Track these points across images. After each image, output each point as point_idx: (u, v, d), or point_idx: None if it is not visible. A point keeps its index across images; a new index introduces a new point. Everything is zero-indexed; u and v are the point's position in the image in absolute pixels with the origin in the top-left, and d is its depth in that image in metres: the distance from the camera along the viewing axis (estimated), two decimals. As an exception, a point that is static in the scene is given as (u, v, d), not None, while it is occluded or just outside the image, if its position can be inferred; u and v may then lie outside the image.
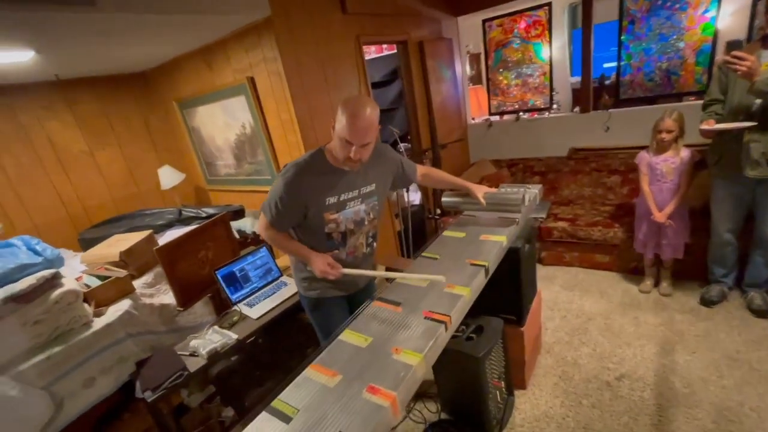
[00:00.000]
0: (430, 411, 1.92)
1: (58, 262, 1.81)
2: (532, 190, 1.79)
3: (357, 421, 0.82)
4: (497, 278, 1.47)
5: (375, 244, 1.59)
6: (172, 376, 1.56)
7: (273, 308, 1.98)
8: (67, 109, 2.65)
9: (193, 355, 1.69)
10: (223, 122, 2.74)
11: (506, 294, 1.81)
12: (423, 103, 3.39)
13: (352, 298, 1.61)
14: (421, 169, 1.69)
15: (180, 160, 3.16)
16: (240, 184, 2.91)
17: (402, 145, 3.93)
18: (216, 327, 1.87)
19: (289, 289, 2.14)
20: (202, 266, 2.12)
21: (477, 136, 4.06)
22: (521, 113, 3.78)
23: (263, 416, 0.89)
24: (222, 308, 2.16)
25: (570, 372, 2.04)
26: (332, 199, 1.36)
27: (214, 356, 1.68)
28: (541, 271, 3.00)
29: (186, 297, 2.01)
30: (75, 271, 1.93)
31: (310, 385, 0.96)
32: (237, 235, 2.51)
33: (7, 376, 1.38)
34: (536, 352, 2.13)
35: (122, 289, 1.82)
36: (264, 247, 2.28)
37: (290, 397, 0.94)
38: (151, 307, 1.88)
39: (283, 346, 2.32)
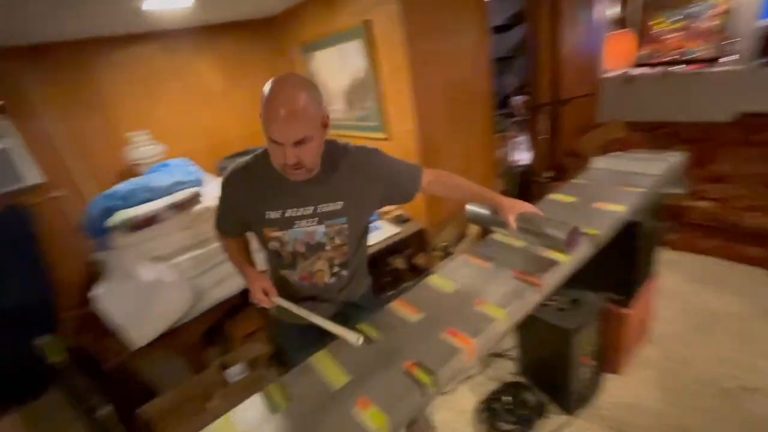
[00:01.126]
0: (508, 371, 1.91)
1: (201, 183, 2.18)
2: (671, 158, 1.51)
3: (433, 357, 0.87)
4: (608, 252, 1.32)
5: (346, 273, 1.17)
6: (280, 290, 1.81)
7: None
8: (210, 53, 3.02)
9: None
10: (337, 67, 2.83)
11: (615, 271, 1.63)
12: (549, 50, 3.00)
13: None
14: (430, 174, 1.17)
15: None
16: (348, 129, 3.04)
17: (517, 98, 3.61)
18: None
19: (382, 232, 2.24)
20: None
21: (610, 92, 3.49)
22: (675, 66, 3.10)
23: (348, 332, 0.99)
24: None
25: (677, 369, 1.80)
26: (273, 214, 1.05)
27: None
28: (666, 255, 2.60)
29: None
30: (212, 192, 2.31)
31: (393, 317, 1.03)
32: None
33: (168, 264, 1.77)
34: (639, 339, 1.92)
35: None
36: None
37: (374, 323, 1.02)
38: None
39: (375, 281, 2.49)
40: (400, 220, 2.36)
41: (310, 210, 1.06)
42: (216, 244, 1.91)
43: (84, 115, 2.50)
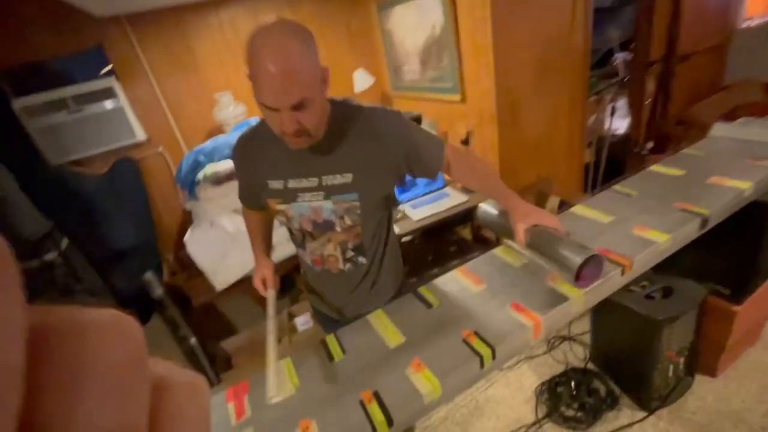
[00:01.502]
0: (576, 356, 1.78)
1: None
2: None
3: (493, 329, 0.81)
4: (719, 236, 1.10)
5: (365, 261, 1.02)
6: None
7: (433, 214, 2.06)
8: (291, 14, 3.06)
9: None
10: (414, 23, 2.69)
11: (727, 260, 1.38)
12: (667, -6, 2.51)
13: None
14: (452, 152, 0.96)
15: (372, 64, 3.34)
16: (421, 91, 2.92)
17: (619, 55, 3.13)
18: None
19: (450, 200, 2.16)
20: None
21: (746, 45, 2.86)
22: None
23: (409, 297, 0.97)
24: (395, 204, 2.39)
25: (796, 382, 1.51)
26: (275, 184, 0.94)
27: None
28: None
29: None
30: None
31: (455, 285, 0.99)
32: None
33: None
34: (747, 341, 1.63)
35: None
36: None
37: (436, 289, 0.99)
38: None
39: (435, 252, 2.45)
40: (468, 188, 2.24)
41: (314, 182, 0.92)
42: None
43: (181, 77, 2.72)
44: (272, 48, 0.71)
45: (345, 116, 0.91)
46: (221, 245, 1.82)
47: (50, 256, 1.84)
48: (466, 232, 2.44)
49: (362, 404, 0.73)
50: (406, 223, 2.04)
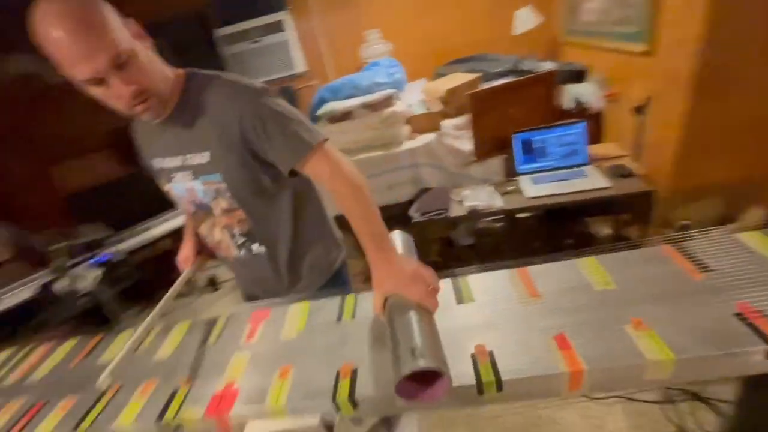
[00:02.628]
0: (699, 424, 1.30)
1: (400, 85, 2.18)
2: None
3: (508, 354, 0.62)
4: None
5: (261, 248, 0.94)
6: (435, 211, 1.74)
7: (554, 195, 1.69)
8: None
9: (460, 202, 1.78)
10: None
11: None
12: None
13: None
14: (327, 164, 0.79)
15: (543, 1, 2.77)
16: (598, 37, 2.28)
17: None
18: (492, 188, 1.84)
19: (585, 182, 1.72)
20: (508, 124, 2.00)
21: None
22: None
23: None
24: (512, 173, 2.08)
25: None
26: (155, 163, 0.91)
27: (474, 213, 1.71)
28: None
29: (483, 149, 2.02)
30: (412, 97, 2.29)
31: (499, 285, 0.80)
32: (572, 104, 2.12)
33: (350, 158, 1.96)
34: None
35: (432, 125, 2.03)
36: (583, 123, 1.84)
37: (467, 285, 0.82)
38: (450, 148, 2.02)
39: (545, 239, 2.06)
40: (617, 173, 1.73)
41: (179, 160, 0.87)
42: (395, 151, 1.96)
43: (338, 13, 2.83)
44: (51, 15, 0.63)
45: (200, 87, 0.81)
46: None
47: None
48: (600, 226, 1.95)
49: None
50: (515, 199, 1.75)
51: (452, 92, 2.12)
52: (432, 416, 1.57)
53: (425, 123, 2.03)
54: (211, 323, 0.90)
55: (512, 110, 1.96)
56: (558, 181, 1.78)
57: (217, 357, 0.80)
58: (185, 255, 1.04)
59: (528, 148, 1.90)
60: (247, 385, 0.71)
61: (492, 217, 2.09)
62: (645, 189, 1.63)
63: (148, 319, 0.84)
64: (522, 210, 1.72)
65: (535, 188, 1.76)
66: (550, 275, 0.79)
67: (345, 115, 1.93)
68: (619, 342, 0.60)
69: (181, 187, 0.90)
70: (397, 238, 0.84)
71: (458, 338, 0.67)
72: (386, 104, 1.93)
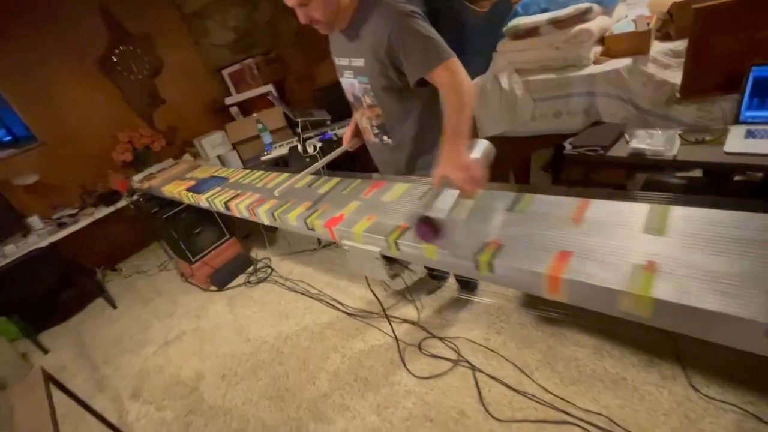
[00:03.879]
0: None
1: (611, 2, 1.85)
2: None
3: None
4: None
5: (390, 141, 1.29)
6: (590, 147, 1.61)
7: (761, 154, 1.29)
8: None
9: (627, 142, 1.57)
10: None
11: None
12: None
13: None
14: (448, 75, 1.01)
15: None
16: None
17: None
18: (677, 132, 1.52)
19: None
20: (748, 53, 1.50)
21: None
22: None
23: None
24: (735, 121, 1.60)
25: None
26: (336, 60, 1.25)
27: (636, 156, 1.50)
28: None
29: (697, 84, 1.61)
30: (628, 13, 1.92)
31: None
32: None
33: (524, 78, 1.93)
34: None
35: (636, 47, 1.71)
36: None
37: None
38: (650, 79, 1.70)
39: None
40: None
41: (345, 61, 1.19)
42: (570, 74, 1.81)
43: None
44: None
45: (367, 8, 1.06)
46: (494, 97, 2.00)
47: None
48: None
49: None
50: (703, 151, 1.40)
51: (680, 6, 1.69)
52: (517, 334, 1.73)
53: (626, 44, 1.73)
54: (349, 182, 1.37)
55: (761, 34, 1.44)
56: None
57: (344, 200, 1.25)
58: (347, 134, 1.45)
59: (764, 90, 1.42)
60: (350, 218, 1.14)
61: (672, 171, 1.73)
62: None
63: (310, 168, 1.38)
64: (706, 166, 1.38)
65: (743, 143, 1.37)
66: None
67: (530, 32, 1.85)
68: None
69: (346, 81, 1.25)
70: (480, 144, 1.01)
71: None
72: (578, 20, 1.74)
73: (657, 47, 1.73)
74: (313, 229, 1.20)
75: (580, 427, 1.30)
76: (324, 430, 1.57)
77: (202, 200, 1.81)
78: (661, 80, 1.69)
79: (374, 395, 1.64)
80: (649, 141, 1.51)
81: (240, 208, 1.52)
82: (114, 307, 3.03)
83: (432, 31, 1.03)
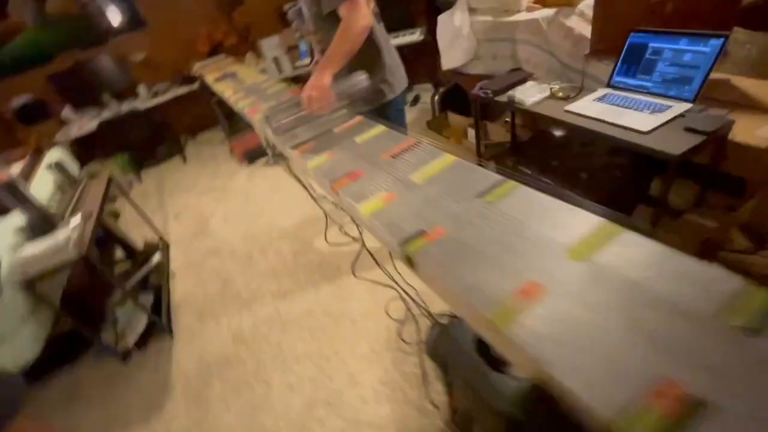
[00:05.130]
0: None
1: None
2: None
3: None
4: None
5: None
6: (486, 89, 1.84)
7: (590, 117, 1.46)
8: None
9: (514, 100, 1.75)
10: None
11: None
12: None
13: None
14: (347, 10, 1.17)
15: None
16: None
17: None
18: (551, 87, 1.67)
19: (648, 119, 1.35)
20: (650, 17, 1.52)
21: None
22: None
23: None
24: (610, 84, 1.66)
25: None
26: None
27: (509, 104, 1.72)
28: None
29: (601, 44, 1.69)
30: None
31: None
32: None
33: (472, 18, 2.10)
34: None
35: (569, -2, 1.76)
36: (721, 41, 1.25)
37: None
38: (569, 32, 1.78)
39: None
40: (702, 124, 1.25)
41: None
42: (501, 20, 1.94)
43: None
44: None
45: None
46: (450, 32, 2.20)
47: None
48: (678, 196, 1.47)
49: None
50: (555, 106, 1.57)
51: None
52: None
53: (562, -5, 1.78)
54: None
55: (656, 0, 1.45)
56: (623, 107, 1.45)
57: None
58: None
59: (636, 57, 1.50)
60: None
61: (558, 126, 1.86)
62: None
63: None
64: (550, 121, 1.57)
65: (589, 105, 1.53)
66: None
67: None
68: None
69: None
70: (353, 77, 1.25)
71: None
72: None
73: (588, 1, 1.76)
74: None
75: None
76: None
77: (217, 88, 2.49)
78: (580, 35, 1.77)
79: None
80: (526, 92, 1.71)
81: (238, 106, 1.98)
82: (185, 161, 4.18)
83: None
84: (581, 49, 1.78)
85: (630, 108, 1.42)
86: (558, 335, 0.50)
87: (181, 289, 2.39)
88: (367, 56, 1.34)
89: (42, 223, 1.83)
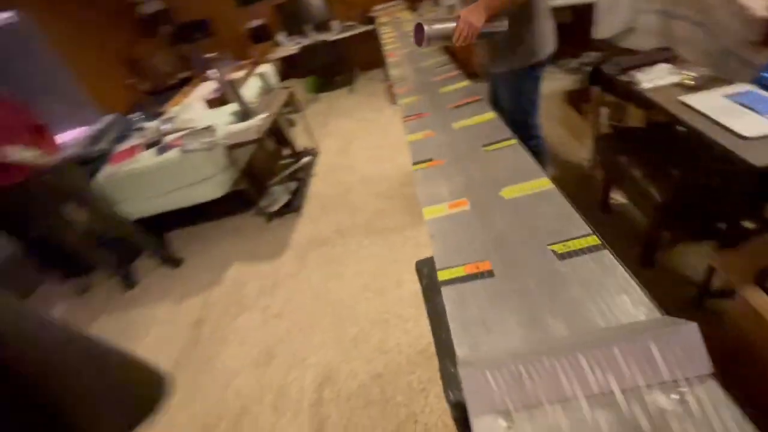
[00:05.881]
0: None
1: None
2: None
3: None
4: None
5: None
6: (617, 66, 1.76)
7: (703, 114, 1.33)
8: None
9: (633, 80, 1.63)
10: None
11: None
12: None
13: None
14: None
15: None
16: None
17: None
18: (689, 77, 1.51)
19: None
20: None
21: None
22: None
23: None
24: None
25: None
26: None
27: (628, 84, 1.64)
28: None
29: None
30: None
31: None
32: None
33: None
34: None
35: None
36: None
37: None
38: (741, 9, 1.51)
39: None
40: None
41: None
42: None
43: None
44: None
45: None
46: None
47: None
48: None
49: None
50: (670, 96, 1.44)
51: None
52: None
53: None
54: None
55: None
56: (751, 109, 1.27)
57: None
58: None
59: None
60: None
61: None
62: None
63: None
64: (657, 107, 1.45)
65: (711, 99, 1.38)
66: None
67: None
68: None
69: None
70: (500, 20, 1.35)
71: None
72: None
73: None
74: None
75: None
76: (372, 178, 2.90)
77: (381, 30, 2.95)
78: (754, 16, 1.50)
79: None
80: (653, 74, 1.60)
81: (385, 48, 2.52)
82: (351, 92, 4.94)
83: None
84: (750, 34, 1.52)
85: (759, 112, 1.25)
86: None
87: (316, 186, 3.13)
88: (523, 17, 1.43)
89: (245, 113, 2.69)
